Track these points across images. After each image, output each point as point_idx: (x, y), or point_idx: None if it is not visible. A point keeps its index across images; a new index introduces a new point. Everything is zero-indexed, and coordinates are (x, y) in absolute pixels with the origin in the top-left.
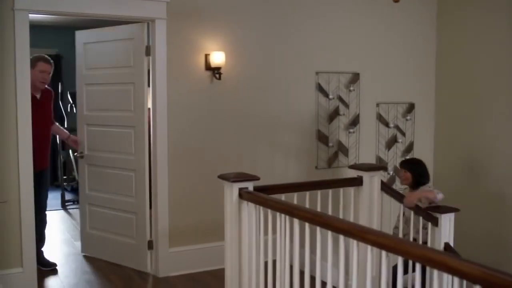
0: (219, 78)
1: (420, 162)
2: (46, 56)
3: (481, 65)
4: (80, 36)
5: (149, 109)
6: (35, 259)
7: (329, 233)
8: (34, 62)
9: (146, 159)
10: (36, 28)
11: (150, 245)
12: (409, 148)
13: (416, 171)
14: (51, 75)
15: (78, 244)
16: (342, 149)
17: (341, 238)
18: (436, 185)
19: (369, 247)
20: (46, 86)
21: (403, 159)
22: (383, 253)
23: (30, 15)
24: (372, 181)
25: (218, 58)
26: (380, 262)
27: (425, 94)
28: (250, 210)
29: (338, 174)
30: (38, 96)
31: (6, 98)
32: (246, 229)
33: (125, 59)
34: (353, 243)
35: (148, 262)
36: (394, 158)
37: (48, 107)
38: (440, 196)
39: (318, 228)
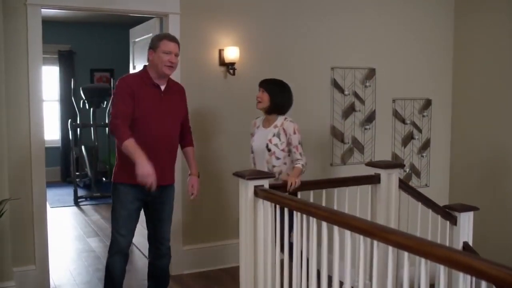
0: (234, 74)
1: (285, 86)
2: (171, 34)
3: (499, 60)
4: (132, 34)
5: None
6: (47, 256)
7: (348, 232)
8: (155, 41)
9: None
10: (49, 24)
11: None
12: (426, 145)
13: (276, 95)
14: (179, 58)
15: (91, 240)
16: (358, 146)
17: (361, 238)
18: (453, 183)
19: (390, 248)
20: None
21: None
22: (405, 254)
23: (42, 10)
24: (390, 178)
25: (232, 53)
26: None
27: (442, 90)
28: (265, 208)
29: (353, 171)
30: (162, 87)
31: (18, 94)
32: (262, 227)
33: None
34: (374, 243)
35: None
36: (410, 155)
37: (178, 107)
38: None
39: (336, 228)
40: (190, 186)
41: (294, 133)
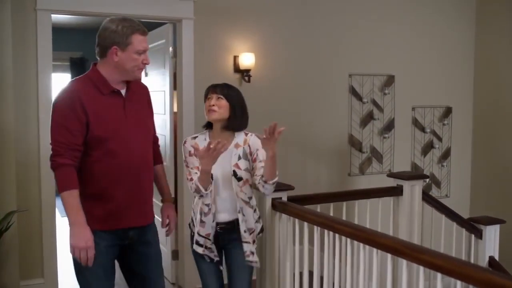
0: (249, 81)
1: (242, 97)
2: (138, 22)
3: None
4: None
5: (175, 113)
6: (56, 269)
7: (374, 251)
8: (122, 35)
9: (172, 165)
10: (60, 31)
11: (175, 255)
12: (446, 154)
13: (238, 105)
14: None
15: None
16: (376, 155)
17: (389, 256)
18: (475, 194)
19: (421, 268)
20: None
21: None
22: (438, 275)
23: (53, 15)
24: (413, 190)
25: (247, 59)
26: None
27: (463, 97)
28: (284, 221)
29: (372, 182)
30: (123, 92)
31: (28, 101)
32: (279, 240)
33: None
34: (403, 262)
35: (172, 273)
36: (430, 164)
37: (146, 116)
38: None
39: (361, 245)
40: (165, 217)
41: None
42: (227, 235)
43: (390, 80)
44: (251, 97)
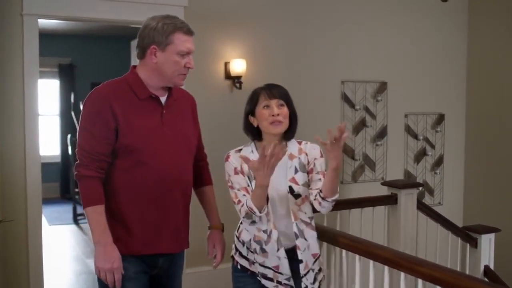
0: (240, 87)
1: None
2: (183, 21)
3: None
4: (133, 46)
5: None
6: (42, 281)
7: (371, 262)
8: (163, 34)
9: None
10: (49, 37)
11: None
12: (439, 161)
13: (294, 109)
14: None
15: (90, 261)
16: (369, 162)
17: (386, 269)
18: (468, 201)
19: (420, 281)
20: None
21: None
22: None
23: (41, 21)
24: (408, 199)
25: (238, 66)
26: None
27: (456, 104)
28: None
29: (365, 190)
30: (163, 99)
31: (13, 108)
32: None
33: None
34: (401, 275)
35: None
36: (423, 172)
37: (189, 127)
38: None
39: (357, 257)
40: (211, 246)
41: (321, 155)
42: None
43: (382, 87)
44: (243, 104)
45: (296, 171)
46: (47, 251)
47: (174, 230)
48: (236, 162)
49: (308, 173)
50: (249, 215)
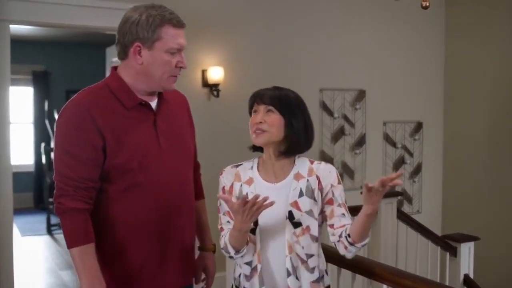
0: (218, 96)
1: (304, 103)
2: (174, 13)
3: (491, 81)
4: (108, 54)
5: None
6: None
7: (356, 276)
8: (148, 28)
9: None
10: (22, 43)
11: None
12: (417, 169)
13: (298, 119)
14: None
15: (64, 273)
16: (348, 171)
17: (365, 281)
18: (446, 209)
19: None
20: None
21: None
22: None
23: (13, 26)
24: (387, 208)
25: (216, 74)
26: None
27: (433, 112)
28: None
29: None
30: (153, 104)
31: None
32: None
33: None
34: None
35: None
36: (402, 180)
37: (185, 134)
38: None
39: (335, 268)
40: (200, 270)
41: (339, 182)
42: None
43: (361, 95)
44: (221, 113)
45: (301, 194)
46: (18, 263)
47: (179, 261)
48: (226, 180)
49: (324, 203)
50: (225, 250)
